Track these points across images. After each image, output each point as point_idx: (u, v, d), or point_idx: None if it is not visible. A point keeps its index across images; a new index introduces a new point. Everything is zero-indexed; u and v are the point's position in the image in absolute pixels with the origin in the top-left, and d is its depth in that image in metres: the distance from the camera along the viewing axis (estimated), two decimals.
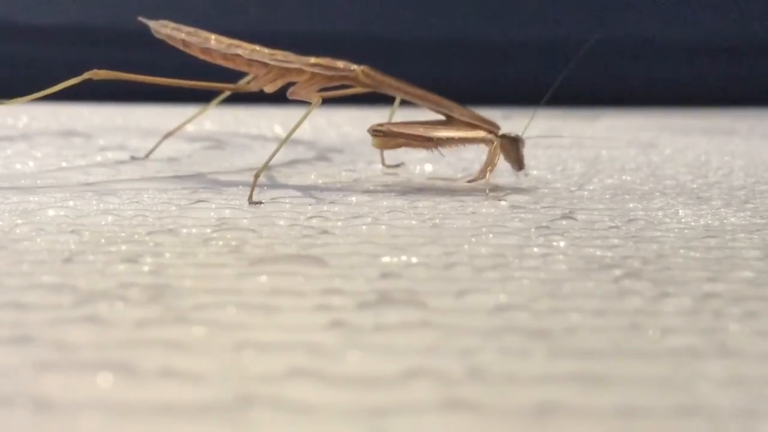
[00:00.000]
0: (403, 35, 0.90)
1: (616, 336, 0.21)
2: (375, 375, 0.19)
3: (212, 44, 0.40)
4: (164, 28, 0.41)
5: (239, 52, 0.40)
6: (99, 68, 0.38)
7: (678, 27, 0.93)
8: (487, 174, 0.39)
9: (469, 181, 0.40)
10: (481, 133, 0.39)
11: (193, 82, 0.40)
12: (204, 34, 0.41)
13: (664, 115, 0.80)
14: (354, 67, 0.40)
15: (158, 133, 0.48)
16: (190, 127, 0.57)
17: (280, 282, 0.25)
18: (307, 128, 0.63)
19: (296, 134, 0.59)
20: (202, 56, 0.41)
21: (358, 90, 0.41)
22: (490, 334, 0.21)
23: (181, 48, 0.41)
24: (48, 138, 0.55)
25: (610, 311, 0.23)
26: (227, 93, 0.44)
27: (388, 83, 0.40)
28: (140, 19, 0.43)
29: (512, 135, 0.39)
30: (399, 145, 0.40)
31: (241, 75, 0.43)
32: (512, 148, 0.39)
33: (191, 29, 0.41)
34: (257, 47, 0.41)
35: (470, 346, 0.20)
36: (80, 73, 0.38)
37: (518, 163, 0.40)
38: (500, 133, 0.39)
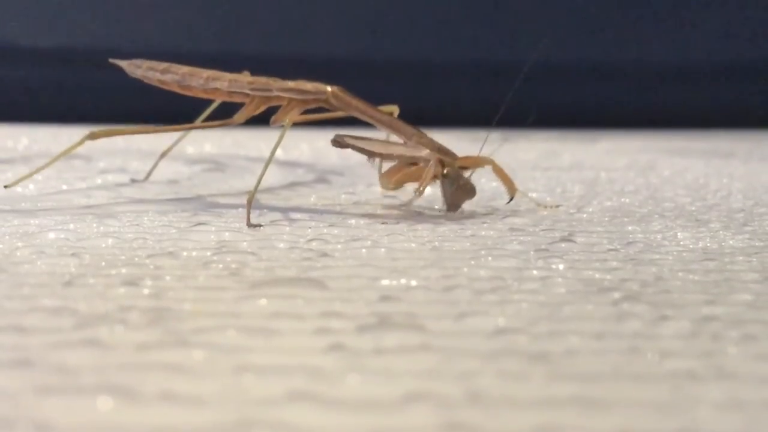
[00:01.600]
0: (398, 57, 0.90)
1: (615, 359, 0.21)
2: (375, 398, 0.19)
3: (190, 80, 0.40)
4: (138, 69, 0.41)
5: (218, 85, 0.40)
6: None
7: (676, 50, 0.93)
8: (418, 194, 0.37)
9: (411, 198, 0.39)
10: (422, 153, 0.38)
11: (185, 126, 0.40)
12: (180, 69, 0.41)
13: (662, 138, 0.81)
14: (327, 88, 0.40)
15: (158, 155, 0.48)
16: (189, 150, 0.58)
17: (280, 305, 0.25)
18: (306, 150, 0.64)
19: (295, 156, 0.59)
20: (181, 91, 0.41)
21: (336, 114, 0.41)
22: (490, 358, 0.21)
23: (159, 86, 0.41)
24: (47, 160, 0.55)
25: (609, 334, 0.23)
26: (206, 115, 0.44)
27: (355, 106, 0.40)
28: (112, 61, 0.42)
29: (454, 170, 0.38)
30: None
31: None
32: (448, 183, 0.38)
33: (165, 65, 0.41)
34: (235, 77, 0.40)
35: (469, 369, 0.21)
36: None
37: (449, 201, 0.38)
38: (446, 171, 0.38)
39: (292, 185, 0.48)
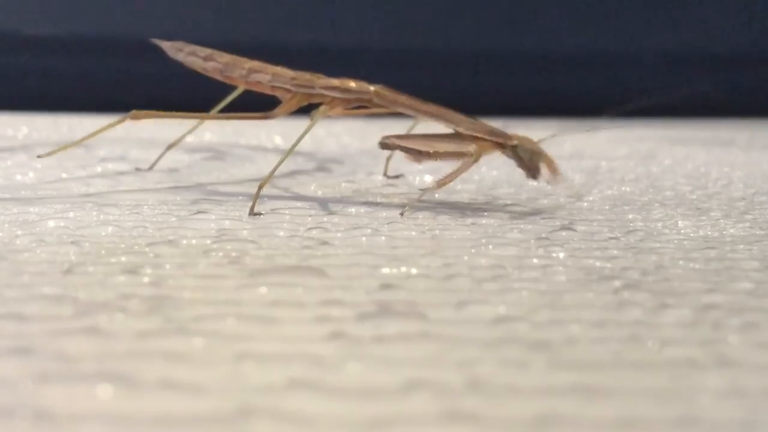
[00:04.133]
0: (408, 46, 0.90)
1: (615, 347, 0.21)
2: (375, 386, 0.19)
3: (232, 71, 0.40)
4: (180, 53, 0.41)
5: (260, 78, 0.40)
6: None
7: (676, 38, 0.93)
8: (447, 182, 0.37)
9: (429, 187, 0.39)
10: (469, 148, 0.38)
11: (225, 115, 0.40)
12: (222, 58, 0.40)
13: (663, 126, 0.80)
14: (370, 88, 0.39)
15: (158, 143, 0.48)
16: (190, 138, 0.58)
17: (280, 293, 0.25)
18: (307, 139, 0.63)
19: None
20: (223, 80, 0.41)
21: (377, 110, 0.41)
22: (490, 346, 0.21)
23: (201, 72, 0.41)
24: (48, 148, 0.55)
25: (610, 322, 0.23)
26: (226, 103, 0.44)
27: (400, 102, 0.39)
28: (154, 41, 0.42)
29: (518, 138, 0.38)
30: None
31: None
32: (521, 151, 0.38)
33: (207, 52, 0.40)
34: (278, 70, 0.40)
35: (470, 357, 0.21)
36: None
37: (529, 168, 0.38)
38: (513, 142, 0.38)
39: (293, 173, 0.48)
